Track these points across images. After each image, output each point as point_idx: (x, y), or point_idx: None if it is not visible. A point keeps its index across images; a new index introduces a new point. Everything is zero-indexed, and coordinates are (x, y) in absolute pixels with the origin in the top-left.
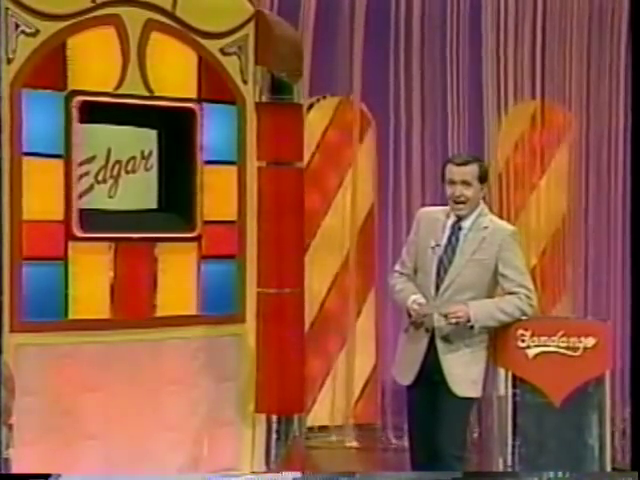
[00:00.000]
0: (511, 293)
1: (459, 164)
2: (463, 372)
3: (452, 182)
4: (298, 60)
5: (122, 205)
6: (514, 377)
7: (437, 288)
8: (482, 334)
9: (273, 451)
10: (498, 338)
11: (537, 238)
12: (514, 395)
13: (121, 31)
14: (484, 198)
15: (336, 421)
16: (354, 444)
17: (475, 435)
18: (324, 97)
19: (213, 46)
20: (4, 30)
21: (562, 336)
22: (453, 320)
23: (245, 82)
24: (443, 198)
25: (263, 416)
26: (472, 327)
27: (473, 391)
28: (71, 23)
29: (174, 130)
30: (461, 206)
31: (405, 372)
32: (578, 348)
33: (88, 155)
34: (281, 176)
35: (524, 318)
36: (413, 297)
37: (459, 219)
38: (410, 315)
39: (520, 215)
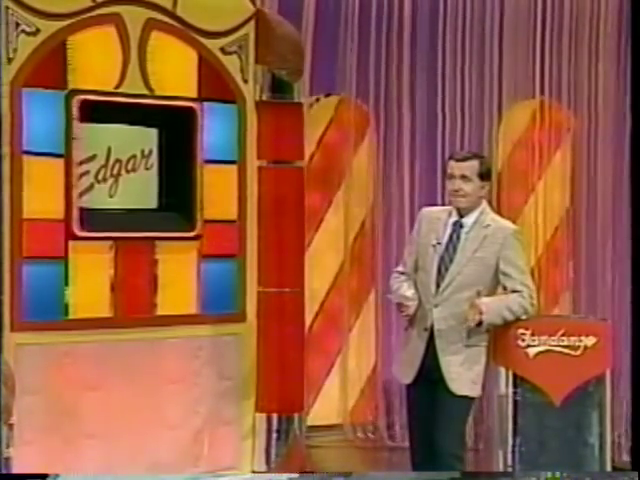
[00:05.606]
0: (514, 291)
1: (459, 160)
2: (462, 371)
3: (452, 177)
4: (298, 59)
5: (122, 204)
6: (514, 376)
7: (437, 286)
8: (481, 333)
9: (273, 450)
10: (498, 337)
11: (537, 237)
12: (514, 394)
13: (121, 30)
14: (486, 196)
15: (336, 420)
16: (354, 443)
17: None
18: (324, 96)
19: (213, 45)
20: (4, 29)
21: (562, 335)
22: (477, 318)
23: (245, 81)
24: (444, 198)
25: (263, 415)
26: (480, 324)
27: (472, 390)
28: (71, 22)
29: (174, 129)
30: (459, 199)
31: (405, 371)
32: (578, 347)
33: (88, 154)
34: (281, 175)
35: (524, 317)
36: (401, 290)
37: (461, 217)
38: (401, 310)
39: (520, 214)
